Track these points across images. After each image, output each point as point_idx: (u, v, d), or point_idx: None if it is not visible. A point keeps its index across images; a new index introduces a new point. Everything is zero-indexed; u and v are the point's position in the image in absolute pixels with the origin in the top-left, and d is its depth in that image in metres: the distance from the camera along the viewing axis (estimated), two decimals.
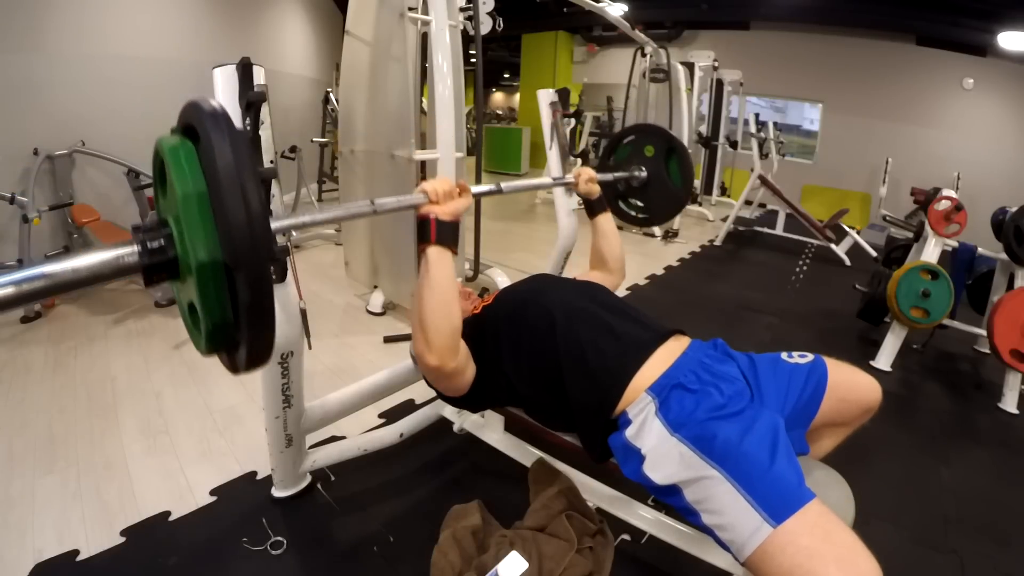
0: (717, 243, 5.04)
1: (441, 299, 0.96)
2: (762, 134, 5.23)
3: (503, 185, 1.22)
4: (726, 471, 0.79)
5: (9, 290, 0.53)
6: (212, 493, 1.52)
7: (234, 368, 0.68)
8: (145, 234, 0.59)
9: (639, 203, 1.79)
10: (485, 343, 1.10)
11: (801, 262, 4.66)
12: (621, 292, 3.45)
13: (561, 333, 1.03)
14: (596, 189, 1.47)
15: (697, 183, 6.55)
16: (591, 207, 1.49)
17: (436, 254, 0.97)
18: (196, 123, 0.58)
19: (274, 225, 0.67)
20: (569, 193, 1.97)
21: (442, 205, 0.99)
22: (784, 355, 1.08)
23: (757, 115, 5.56)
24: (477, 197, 1.13)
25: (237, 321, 0.61)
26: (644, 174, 1.70)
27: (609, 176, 1.65)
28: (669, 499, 0.87)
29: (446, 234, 0.99)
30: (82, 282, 0.57)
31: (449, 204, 1.00)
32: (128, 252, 0.58)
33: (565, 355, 1.01)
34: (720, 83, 6.30)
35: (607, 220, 1.48)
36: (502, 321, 1.13)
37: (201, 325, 0.62)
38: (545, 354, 1.04)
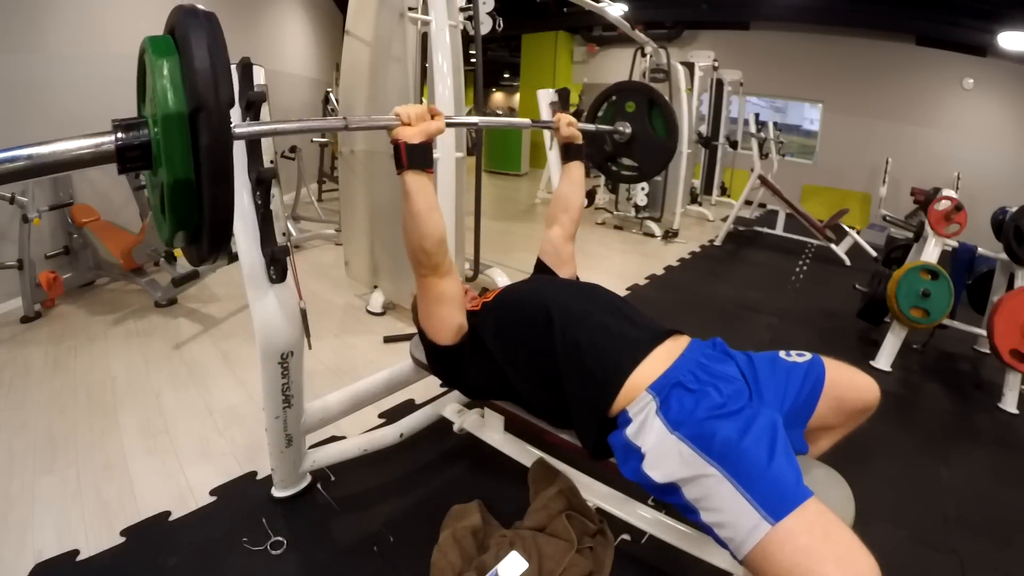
0: (717, 243, 5.04)
1: (422, 222, 1.03)
2: (762, 134, 5.23)
3: (480, 120, 1.28)
4: (725, 469, 0.79)
5: None
6: (212, 493, 1.52)
7: (199, 257, 0.72)
8: (122, 121, 0.64)
9: (629, 161, 1.80)
10: (482, 341, 1.11)
11: (801, 262, 4.66)
12: (621, 292, 3.45)
13: (558, 332, 1.04)
14: (577, 135, 1.51)
15: (697, 183, 6.56)
16: (567, 151, 1.52)
17: (411, 179, 1.02)
18: (176, 18, 0.64)
19: (238, 130, 0.73)
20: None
21: (413, 127, 1.03)
22: (782, 354, 1.09)
23: (757, 115, 5.56)
24: (451, 125, 1.17)
25: (199, 180, 0.64)
26: (628, 130, 1.72)
27: (591, 127, 1.67)
28: (668, 497, 0.87)
29: (417, 156, 1.03)
30: (62, 165, 0.61)
31: (420, 125, 1.04)
32: (107, 139, 0.62)
33: (562, 354, 1.02)
34: (720, 83, 6.30)
35: (578, 167, 1.52)
36: (500, 320, 1.14)
37: (163, 178, 0.65)
38: (542, 352, 1.05)
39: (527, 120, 1.53)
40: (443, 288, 1.10)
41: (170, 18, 0.67)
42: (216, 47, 0.62)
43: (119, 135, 0.62)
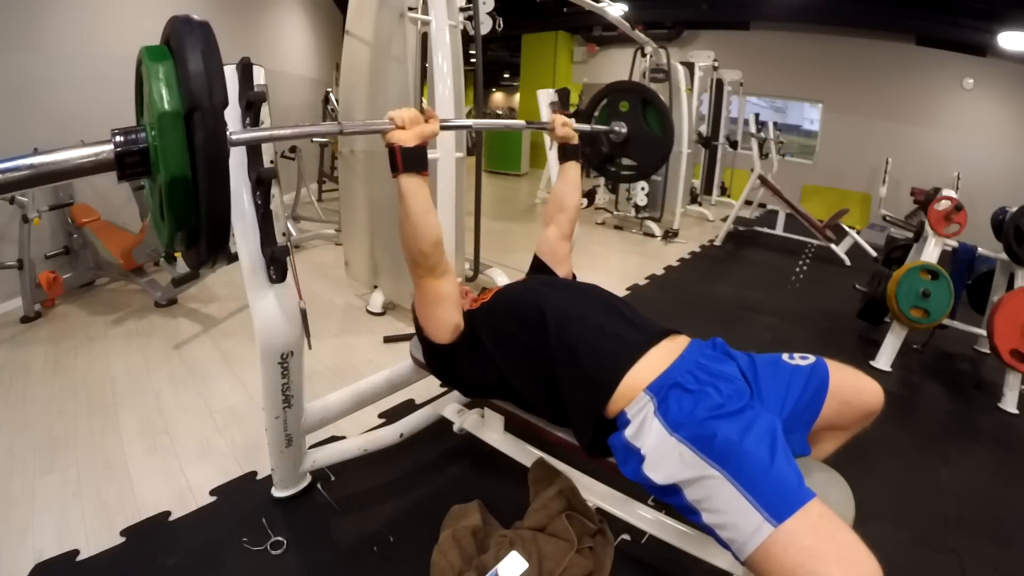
0: (717, 243, 5.03)
1: (417, 224, 1.04)
2: (762, 134, 5.23)
3: (474, 123, 1.29)
4: (727, 471, 0.79)
5: None
6: (212, 493, 1.52)
7: (199, 260, 0.74)
8: (121, 129, 0.66)
9: (627, 160, 1.81)
10: (480, 339, 1.12)
11: (801, 262, 4.66)
12: (621, 292, 3.45)
13: (554, 332, 1.04)
14: (573, 135, 1.52)
15: (697, 183, 6.56)
16: (564, 152, 1.52)
17: (405, 183, 1.04)
18: (173, 29, 0.66)
19: (235, 136, 0.74)
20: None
21: (408, 131, 1.03)
22: (785, 356, 1.08)
23: (757, 115, 5.56)
24: (445, 128, 1.16)
25: (196, 179, 0.66)
26: (624, 129, 1.72)
27: (587, 127, 1.68)
28: (669, 499, 0.87)
29: (412, 160, 1.03)
30: (63, 174, 0.63)
31: (414, 129, 1.04)
32: (106, 147, 0.64)
33: (558, 353, 1.02)
34: (720, 83, 6.30)
35: (574, 167, 1.53)
36: (496, 319, 1.15)
37: (161, 178, 0.66)
38: (538, 352, 1.05)
39: (522, 122, 1.55)
40: (440, 288, 1.11)
41: (165, 29, 0.69)
42: (209, 50, 0.65)
43: (118, 139, 0.64)
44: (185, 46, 0.63)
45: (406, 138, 1.03)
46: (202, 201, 0.66)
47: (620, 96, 1.73)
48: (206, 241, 0.70)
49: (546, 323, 1.06)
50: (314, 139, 5.31)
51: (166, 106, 0.62)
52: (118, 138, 0.64)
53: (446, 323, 1.14)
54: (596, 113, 1.78)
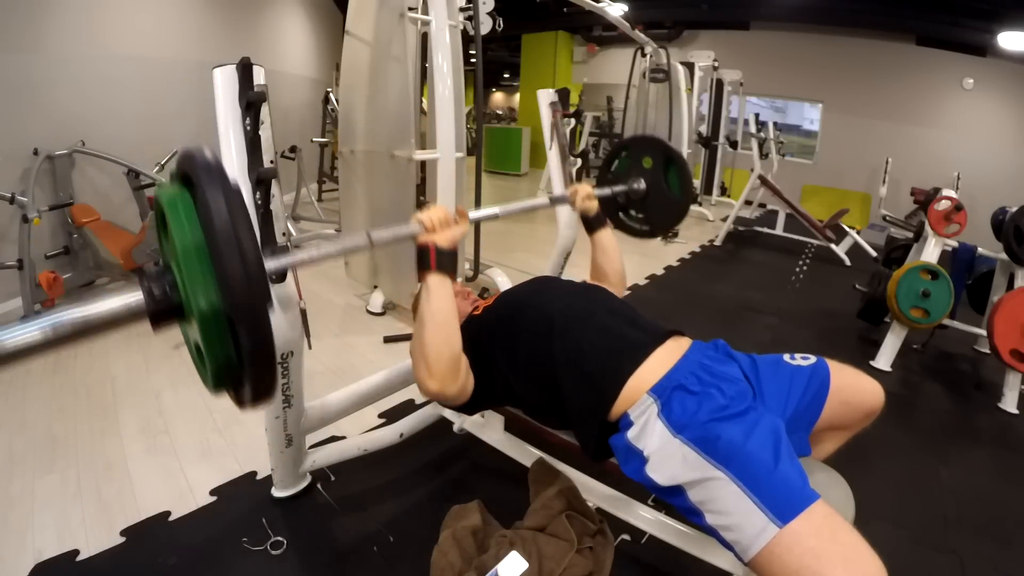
0: (717, 243, 5.04)
1: (442, 327, 0.97)
2: (762, 134, 5.23)
3: (500, 209, 1.24)
4: (731, 472, 0.79)
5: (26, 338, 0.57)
6: (212, 493, 1.52)
7: (240, 404, 0.70)
8: (151, 281, 0.62)
9: (639, 215, 1.78)
10: (483, 344, 1.11)
11: (801, 262, 4.66)
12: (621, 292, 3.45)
13: (558, 336, 1.03)
14: (594, 205, 1.44)
15: (697, 183, 6.56)
16: (589, 223, 1.45)
17: (436, 282, 0.98)
18: (192, 175, 0.60)
19: (269, 266, 0.68)
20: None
21: (440, 233, 1.00)
22: (787, 357, 1.08)
23: (757, 115, 5.57)
24: (475, 222, 1.12)
25: (240, 363, 0.63)
26: (643, 186, 1.69)
27: (607, 191, 1.63)
28: (672, 499, 0.87)
29: (445, 262, 0.99)
30: (93, 329, 0.60)
31: (446, 232, 1.00)
32: (135, 299, 0.61)
33: (561, 357, 1.02)
34: (720, 83, 6.30)
35: (607, 236, 1.44)
36: (500, 323, 1.14)
37: (207, 367, 0.64)
38: (541, 356, 1.04)
39: (545, 200, 1.47)
40: (457, 390, 1.02)
41: (180, 165, 0.63)
42: (244, 228, 0.59)
43: (150, 307, 0.61)
44: (218, 235, 0.57)
45: (440, 240, 0.99)
46: (247, 383, 0.64)
47: (645, 151, 1.68)
48: (251, 399, 0.67)
49: (551, 325, 1.05)
50: (314, 139, 5.32)
51: (203, 305, 0.58)
52: (151, 306, 0.61)
53: (465, 397, 1.09)
54: (616, 162, 1.75)
